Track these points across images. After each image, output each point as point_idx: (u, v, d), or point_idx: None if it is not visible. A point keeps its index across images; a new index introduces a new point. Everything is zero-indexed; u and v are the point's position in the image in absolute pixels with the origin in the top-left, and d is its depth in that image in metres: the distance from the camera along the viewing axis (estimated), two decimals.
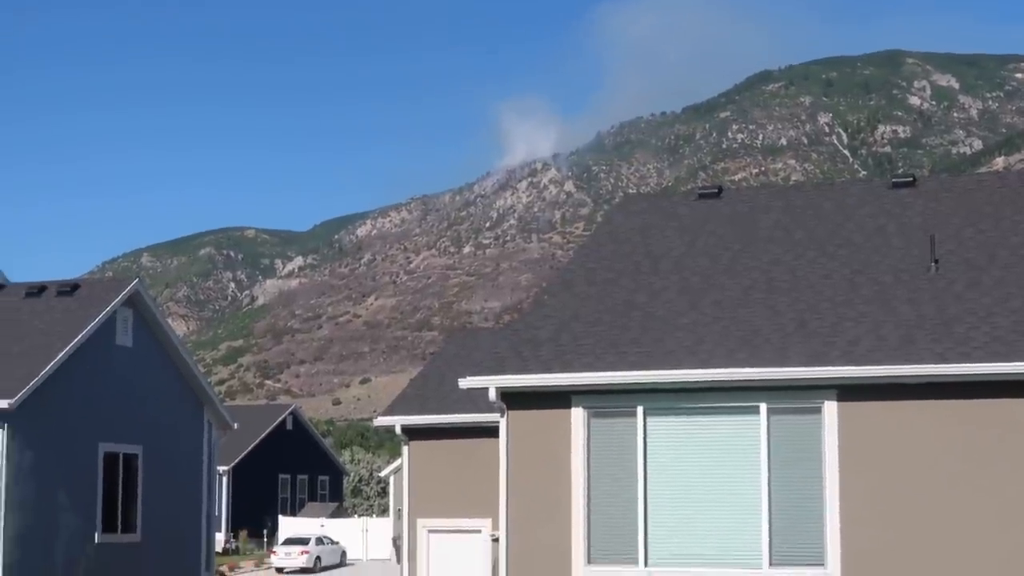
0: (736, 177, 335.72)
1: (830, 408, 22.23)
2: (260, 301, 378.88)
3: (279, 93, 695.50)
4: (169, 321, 44.33)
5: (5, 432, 34.81)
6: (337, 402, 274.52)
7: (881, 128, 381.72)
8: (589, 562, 23.27)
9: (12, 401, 34.54)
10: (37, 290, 40.69)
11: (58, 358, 36.37)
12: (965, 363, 21.58)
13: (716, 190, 32.24)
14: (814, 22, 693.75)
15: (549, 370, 23.75)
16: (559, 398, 23.64)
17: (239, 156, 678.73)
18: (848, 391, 22.16)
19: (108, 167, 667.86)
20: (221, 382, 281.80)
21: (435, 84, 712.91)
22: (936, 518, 21.68)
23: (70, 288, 40.44)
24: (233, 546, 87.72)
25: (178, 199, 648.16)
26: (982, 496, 21.53)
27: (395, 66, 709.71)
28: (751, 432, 22.69)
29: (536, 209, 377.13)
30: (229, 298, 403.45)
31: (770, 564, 22.38)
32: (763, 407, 22.58)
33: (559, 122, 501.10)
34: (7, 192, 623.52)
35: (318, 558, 74.85)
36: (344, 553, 78.97)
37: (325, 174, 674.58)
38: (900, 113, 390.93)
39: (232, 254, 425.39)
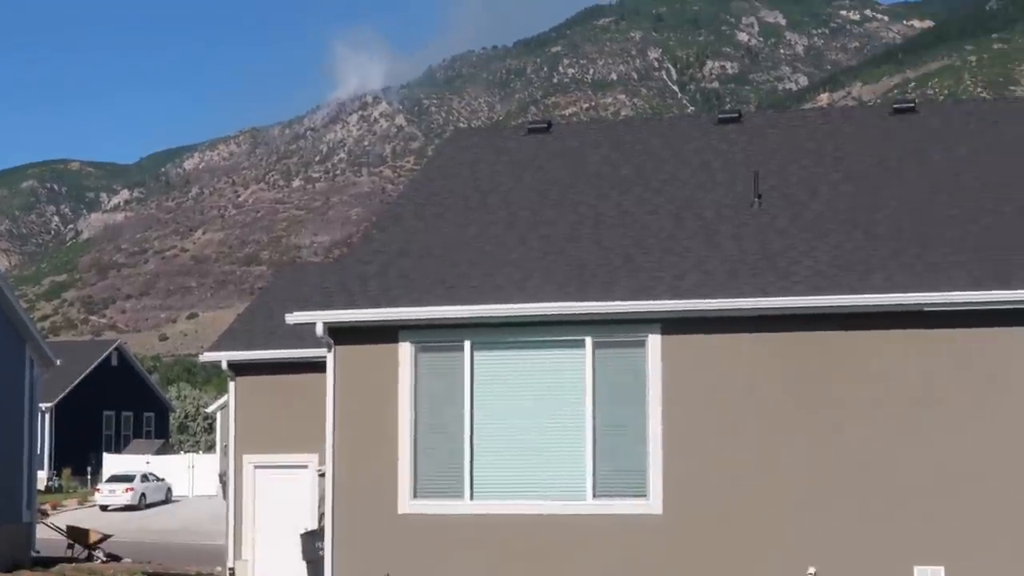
0: (567, 112, 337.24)
1: (654, 341, 22.45)
2: (85, 235, 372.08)
3: (108, 24, 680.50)
4: None
5: None
6: (164, 338, 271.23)
7: (709, 64, 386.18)
8: (415, 496, 23.28)
9: None
10: None
11: None
12: (786, 296, 21.95)
13: (546, 125, 32.31)
14: None
15: (377, 305, 23.64)
16: (386, 333, 23.55)
17: (63, 86, 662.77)
18: (672, 325, 22.40)
19: None
20: (44, 318, 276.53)
21: (267, 15, 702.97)
22: (755, 448, 22.08)
23: None
24: (56, 484, 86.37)
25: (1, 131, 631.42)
26: (800, 426, 21.98)
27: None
28: (576, 365, 22.83)
29: (367, 143, 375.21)
30: (53, 232, 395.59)
31: (594, 496, 22.60)
32: (588, 340, 22.73)
33: (390, 55, 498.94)
34: None
35: (143, 495, 74.08)
36: (170, 490, 78.22)
37: (152, 105, 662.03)
38: (728, 49, 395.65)
39: (56, 187, 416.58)
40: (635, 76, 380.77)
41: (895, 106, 30.38)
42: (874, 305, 21.71)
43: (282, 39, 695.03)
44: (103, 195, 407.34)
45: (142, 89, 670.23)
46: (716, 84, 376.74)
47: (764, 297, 22.01)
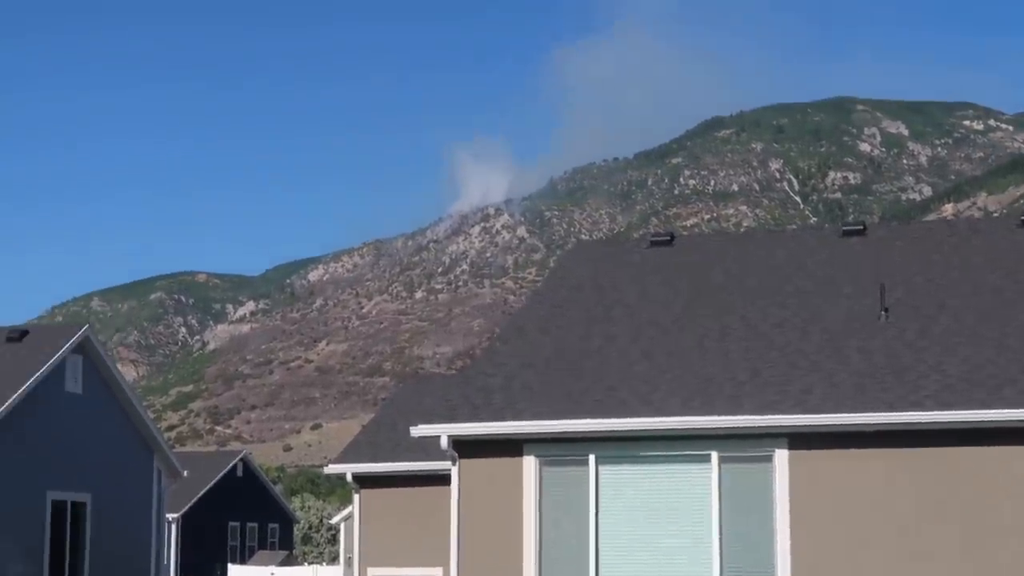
0: (688, 223, 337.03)
1: (781, 456, 22.25)
2: (211, 346, 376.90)
3: (233, 137, 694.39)
4: (119, 367, 44.06)
5: None
6: (288, 448, 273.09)
7: (832, 174, 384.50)
8: None
9: None
10: None
11: (6, 406, 36.04)
12: (915, 411, 21.67)
13: (668, 237, 32.32)
14: (766, 69, 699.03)
15: (501, 418, 23.68)
16: (511, 446, 23.56)
17: (191, 200, 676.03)
18: (799, 439, 22.20)
19: (60, 212, 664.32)
20: (171, 428, 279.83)
21: (390, 127, 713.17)
22: (884, 565, 21.70)
23: (19, 335, 40.11)
24: None
25: (130, 244, 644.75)
26: (930, 543, 21.58)
27: (350, 109, 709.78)
28: (703, 480, 22.67)
29: (489, 254, 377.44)
30: (180, 343, 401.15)
31: None
32: (715, 455, 22.58)
33: (513, 167, 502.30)
34: None
35: None
36: None
37: (278, 218, 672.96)
38: (850, 159, 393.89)
39: (183, 299, 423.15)
40: (756, 187, 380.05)
41: (1022, 217, 30.02)
42: (1005, 420, 21.35)
43: (405, 151, 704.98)
44: (229, 306, 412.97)
45: (268, 202, 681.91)
46: (839, 195, 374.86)
47: (892, 412, 21.75)
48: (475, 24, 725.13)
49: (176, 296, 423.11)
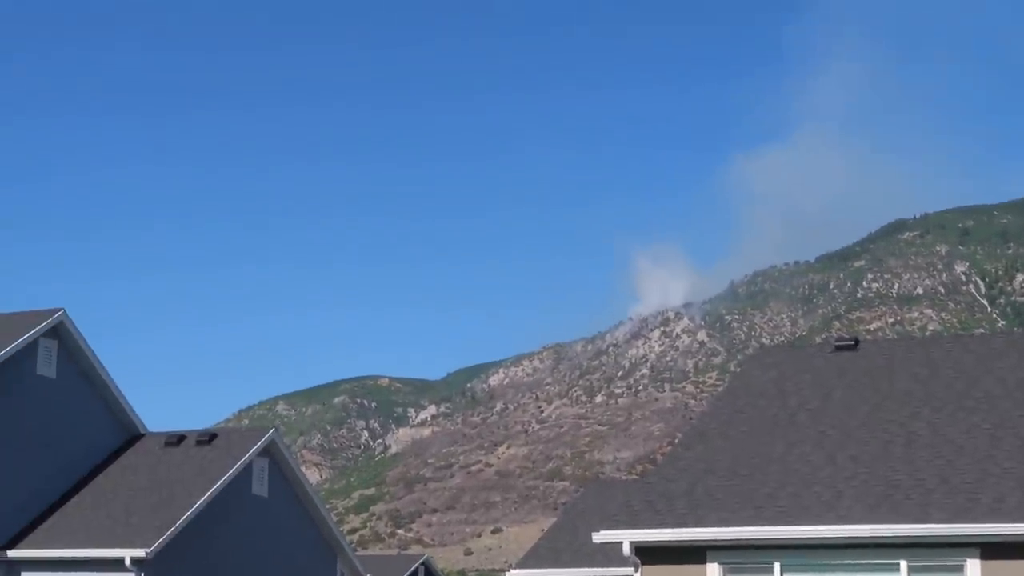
0: (871, 327, 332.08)
1: (973, 566, 21.71)
2: (393, 449, 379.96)
3: (413, 248, 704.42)
4: (303, 469, 44.68)
5: None
6: (469, 552, 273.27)
7: (1020, 277, 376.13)
8: None
9: (149, 550, 34.90)
10: (176, 440, 41.21)
11: (195, 508, 36.74)
12: None
13: (853, 342, 31.93)
14: (949, 172, 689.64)
15: (684, 524, 23.50)
16: (694, 553, 23.35)
17: (375, 310, 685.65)
18: (993, 549, 21.63)
19: (245, 317, 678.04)
20: (353, 531, 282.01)
21: (569, 232, 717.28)
22: None
23: (208, 438, 40.96)
24: None
25: (314, 350, 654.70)
26: None
27: (529, 214, 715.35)
28: None
29: (668, 359, 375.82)
30: (362, 446, 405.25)
31: None
32: (903, 565, 22.11)
33: (692, 271, 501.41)
34: (151, 344, 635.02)
35: None
36: None
37: (459, 324, 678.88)
38: None
39: (366, 402, 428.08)
40: (942, 290, 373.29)
41: None
42: None
43: (584, 257, 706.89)
44: (411, 410, 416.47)
45: (449, 309, 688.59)
46: None
47: None
48: (653, 131, 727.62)
49: (359, 400, 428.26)
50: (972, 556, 21.73)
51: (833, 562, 22.59)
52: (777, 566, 22.84)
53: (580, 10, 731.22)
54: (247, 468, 39.47)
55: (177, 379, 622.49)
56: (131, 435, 41.76)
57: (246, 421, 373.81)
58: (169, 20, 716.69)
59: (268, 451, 40.59)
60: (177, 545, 35.96)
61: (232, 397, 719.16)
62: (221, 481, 37.96)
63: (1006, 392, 26.83)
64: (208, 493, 37.37)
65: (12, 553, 36.62)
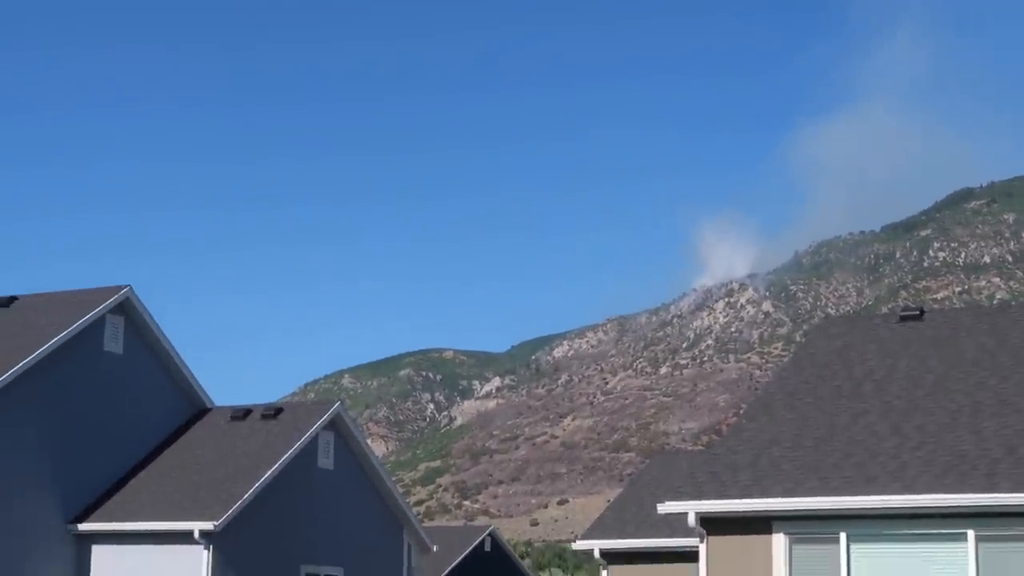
0: (938, 296, 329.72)
1: None
2: (458, 422, 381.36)
3: (476, 223, 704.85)
4: (369, 442, 44.95)
5: (210, 554, 35.51)
6: (535, 523, 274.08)
7: None
8: None
9: (217, 523, 35.26)
10: (242, 414, 41.53)
11: (261, 481, 37.06)
12: None
13: (918, 311, 31.74)
14: (1017, 139, 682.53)
15: (749, 495, 23.49)
16: (759, 524, 23.34)
17: (440, 284, 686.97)
18: None
19: (317, 294, 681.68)
20: (420, 503, 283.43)
21: (632, 202, 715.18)
22: None
23: (274, 412, 41.25)
24: None
25: (380, 322, 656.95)
26: None
27: (593, 183, 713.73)
28: (959, 560, 22.11)
29: (733, 329, 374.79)
30: (428, 419, 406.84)
31: None
32: (971, 534, 22.01)
33: (756, 241, 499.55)
34: (218, 319, 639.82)
35: None
36: None
37: (523, 295, 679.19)
38: None
39: (431, 375, 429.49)
40: (1009, 258, 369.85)
41: None
42: None
43: (649, 227, 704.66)
44: (476, 383, 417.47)
45: (513, 280, 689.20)
46: None
47: None
48: (718, 98, 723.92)
49: (424, 373, 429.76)
50: None
51: (900, 532, 22.53)
52: (843, 536, 22.80)
53: None
54: (312, 442, 39.75)
55: (243, 353, 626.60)
56: (198, 409, 42.13)
57: (312, 395, 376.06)
58: (171, 20, 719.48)
59: (333, 424, 40.84)
60: (244, 518, 36.29)
61: (298, 371, 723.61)
62: (287, 455, 38.26)
63: None
64: (274, 467, 37.68)
65: (83, 526, 37.08)
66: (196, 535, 35.40)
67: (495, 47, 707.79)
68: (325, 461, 40.40)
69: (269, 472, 37.47)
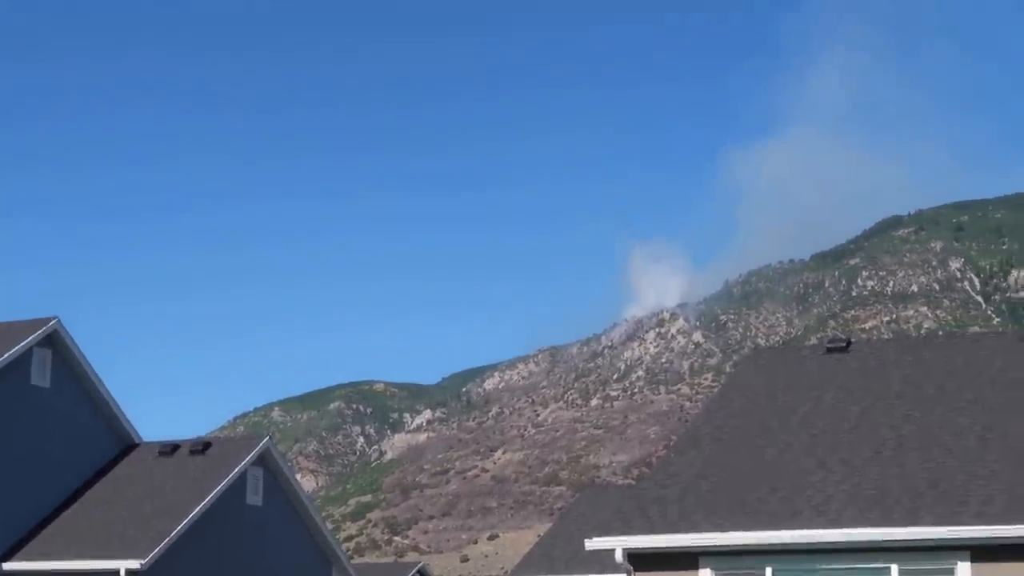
0: (867, 325, 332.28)
1: (963, 569, 21.77)
2: (389, 455, 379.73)
3: (407, 246, 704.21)
4: (298, 477, 44.76)
5: None
6: (465, 559, 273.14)
7: (1015, 273, 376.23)
8: None
9: (144, 562, 34.96)
10: (170, 449, 41.27)
11: (189, 518, 36.79)
12: None
13: (844, 343, 32.01)
14: (945, 167, 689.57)
15: (676, 530, 23.56)
16: (686, 559, 23.40)
17: (370, 315, 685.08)
18: (982, 552, 21.69)
19: (239, 322, 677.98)
20: (349, 538, 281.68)
21: (562, 232, 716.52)
22: None
23: (202, 447, 41.01)
24: None
25: (310, 355, 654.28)
26: None
27: (522, 213, 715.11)
28: None
29: (664, 360, 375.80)
30: (358, 453, 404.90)
31: None
32: (895, 569, 22.17)
33: (687, 271, 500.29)
34: (146, 353, 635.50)
35: None
36: None
37: (453, 327, 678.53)
38: None
39: (361, 408, 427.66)
40: (937, 287, 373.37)
41: None
42: None
43: (580, 257, 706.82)
44: (407, 416, 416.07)
45: (443, 311, 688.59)
46: (1023, 294, 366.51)
47: None
48: (651, 127, 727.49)
49: (355, 406, 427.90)
50: (963, 559, 21.79)
51: (825, 567, 22.65)
52: (769, 571, 22.91)
53: (573, 6, 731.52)
54: (241, 477, 39.53)
55: (172, 388, 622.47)
56: (126, 445, 41.81)
57: (241, 428, 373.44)
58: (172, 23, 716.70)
59: (262, 459, 40.64)
60: (172, 556, 36.00)
61: (227, 404, 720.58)
62: (215, 491, 38.01)
63: (996, 392, 26.90)
64: (202, 504, 37.42)
65: (8, 566, 36.66)
66: (122, 574, 35.04)
67: (401, 66, 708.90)
68: (254, 497, 40.17)
69: (197, 509, 37.20)
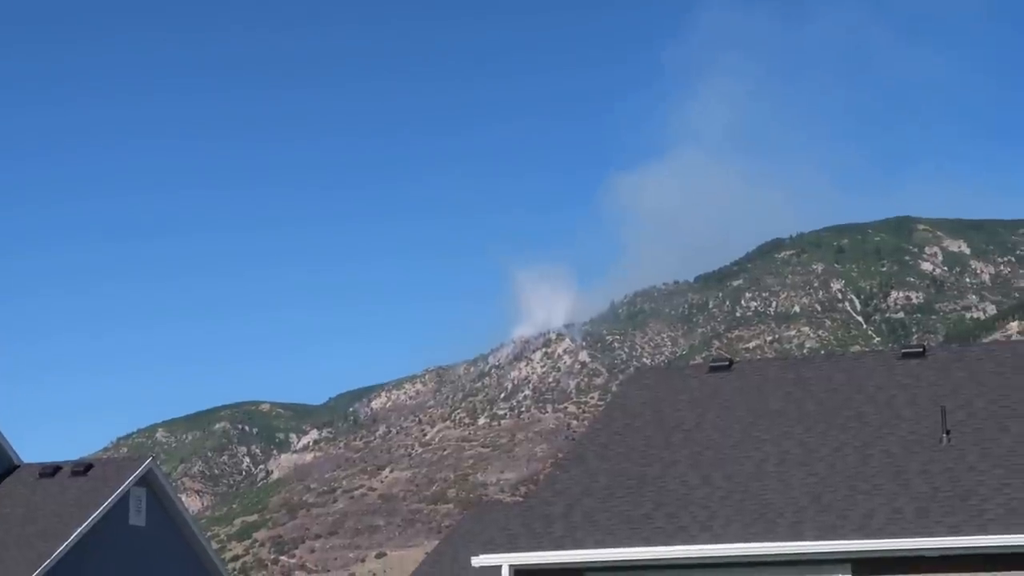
0: (750, 345, 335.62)
1: None
2: (275, 475, 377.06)
3: (292, 265, 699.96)
4: (183, 497, 44.41)
5: None
6: None
7: (894, 294, 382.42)
8: None
9: None
10: (51, 470, 40.74)
11: (71, 539, 36.37)
12: (980, 535, 21.48)
13: (727, 362, 32.39)
14: (825, 190, 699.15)
15: (561, 547, 23.67)
16: (573, 575, 23.50)
17: (253, 329, 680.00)
18: (864, 565, 22.03)
19: (121, 341, 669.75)
20: (236, 558, 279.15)
21: (448, 253, 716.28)
22: None
23: (84, 468, 40.52)
24: None
25: (194, 374, 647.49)
26: None
27: (408, 235, 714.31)
28: None
29: (551, 379, 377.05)
30: (244, 472, 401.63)
31: None
32: None
33: (574, 291, 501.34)
34: (20, 369, 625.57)
35: None
36: None
37: (340, 349, 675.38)
38: (912, 279, 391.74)
39: (247, 428, 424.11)
40: (818, 308, 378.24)
41: None
42: None
43: (465, 277, 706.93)
44: (293, 436, 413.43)
45: (329, 331, 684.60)
46: (901, 314, 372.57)
47: (957, 536, 21.57)
48: (536, 150, 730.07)
49: (240, 426, 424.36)
50: (844, 571, 22.12)
51: None
52: None
53: (466, 39, 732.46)
54: (124, 498, 39.10)
55: (53, 410, 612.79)
56: (6, 466, 41.19)
57: (125, 449, 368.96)
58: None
59: (145, 480, 40.22)
60: None
61: (110, 426, 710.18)
62: (97, 512, 37.58)
63: (875, 410, 27.34)
64: (84, 525, 36.99)
65: None
66: None
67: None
68: (137, 518, 39.75)
69: (79, 530, 36.76)
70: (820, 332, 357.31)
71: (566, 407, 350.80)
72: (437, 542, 44.69)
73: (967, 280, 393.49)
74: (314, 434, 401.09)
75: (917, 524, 22.08)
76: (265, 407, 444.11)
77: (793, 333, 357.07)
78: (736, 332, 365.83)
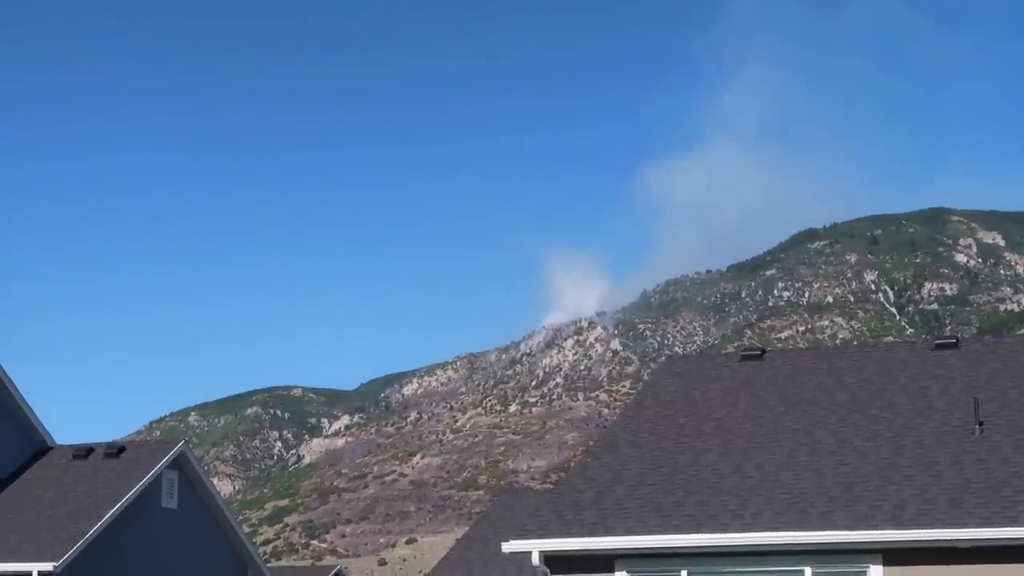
0: (782, 335, 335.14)
1: (876, 572, 22.06)
2: (306, 460, 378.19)
3: (328, 255, 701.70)
4: (215, 481, 44.56)
5: None
6: (383, 562, 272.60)
7: (928, 286, 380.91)
8: None
9: (57, 564, 34.65)
10: (84, 452, 40.93)
11: (103, 521, 36.52)
12: (1012, 527, 21.40)
13: (759, 352, 32.31)
14: (859, 182, 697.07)
15: (592, 533, 23.69)
16: (602, 562, 23.53)
17: (288, 315, 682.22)
18: (894, 555, 21.98)
19: (155, 326, 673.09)
20: (267, 542, 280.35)
21: (483, 241, 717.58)
22: None
23: (116, 451, 40.70)
24: None
25: (226, 358, 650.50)
26: None
27: (444, 222, 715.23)
28: None
29: (582, 367, 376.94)
30: (275, 457, 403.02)
31: None
32: (808, 571, 22.42)
33: (606, 280, 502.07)
34: (57, 352, 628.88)
35: None
36: None
37: (373, 332, 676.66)
38: (946, 270, 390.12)
39: (279, 413, 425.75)
40: (851, 299, 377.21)
41: None
42: None
43: (500, 265, 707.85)
44: (324, 421, 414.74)
45: (363, 317, 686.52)
46: (935, 306, 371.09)
47: (989, 527, 21.49)
48: (571, 138, 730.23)
49: (272, 410, 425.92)
50: (875, 562, 22.08)
51: (739, 569, 22.86)
52: (684, 573, 23.08)
53: (496, 29, 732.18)
54: (156, 481, 39.27)
55: (88, 392, 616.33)
56: (39, 448, 41.41)
57: (158, 433, 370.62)
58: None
59: (177, 463, 40.39)
60: (86, 558, 35.72)
61: (143, 409, 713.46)
62: (129, 494, 37.75)
63: (907, 400, 27.26)
64: (116, 506, 37.16)
65: None
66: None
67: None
68: (169, 500, 39.93)
69: (111, 512, 36.94)
70: (853, 323, 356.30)
71: (597, 395, 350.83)
72: (467, 528, 44.77)
73: (1001, 272, 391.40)
74: (346, 419, 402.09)
75: (949, 515, 22.02)
76: (297, 392, 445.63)
77: (826, 323, 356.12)
78: (768, 322, 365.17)
